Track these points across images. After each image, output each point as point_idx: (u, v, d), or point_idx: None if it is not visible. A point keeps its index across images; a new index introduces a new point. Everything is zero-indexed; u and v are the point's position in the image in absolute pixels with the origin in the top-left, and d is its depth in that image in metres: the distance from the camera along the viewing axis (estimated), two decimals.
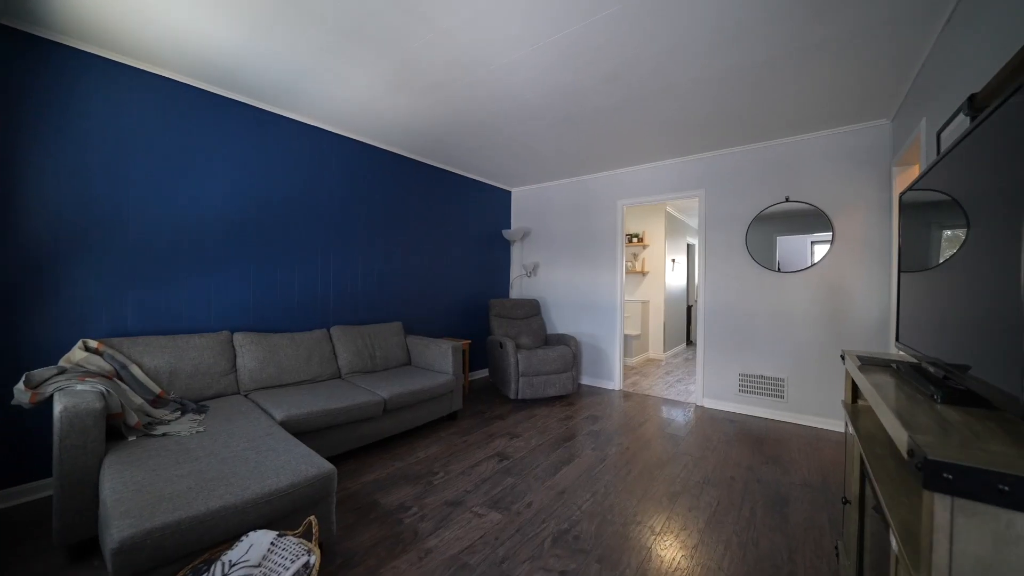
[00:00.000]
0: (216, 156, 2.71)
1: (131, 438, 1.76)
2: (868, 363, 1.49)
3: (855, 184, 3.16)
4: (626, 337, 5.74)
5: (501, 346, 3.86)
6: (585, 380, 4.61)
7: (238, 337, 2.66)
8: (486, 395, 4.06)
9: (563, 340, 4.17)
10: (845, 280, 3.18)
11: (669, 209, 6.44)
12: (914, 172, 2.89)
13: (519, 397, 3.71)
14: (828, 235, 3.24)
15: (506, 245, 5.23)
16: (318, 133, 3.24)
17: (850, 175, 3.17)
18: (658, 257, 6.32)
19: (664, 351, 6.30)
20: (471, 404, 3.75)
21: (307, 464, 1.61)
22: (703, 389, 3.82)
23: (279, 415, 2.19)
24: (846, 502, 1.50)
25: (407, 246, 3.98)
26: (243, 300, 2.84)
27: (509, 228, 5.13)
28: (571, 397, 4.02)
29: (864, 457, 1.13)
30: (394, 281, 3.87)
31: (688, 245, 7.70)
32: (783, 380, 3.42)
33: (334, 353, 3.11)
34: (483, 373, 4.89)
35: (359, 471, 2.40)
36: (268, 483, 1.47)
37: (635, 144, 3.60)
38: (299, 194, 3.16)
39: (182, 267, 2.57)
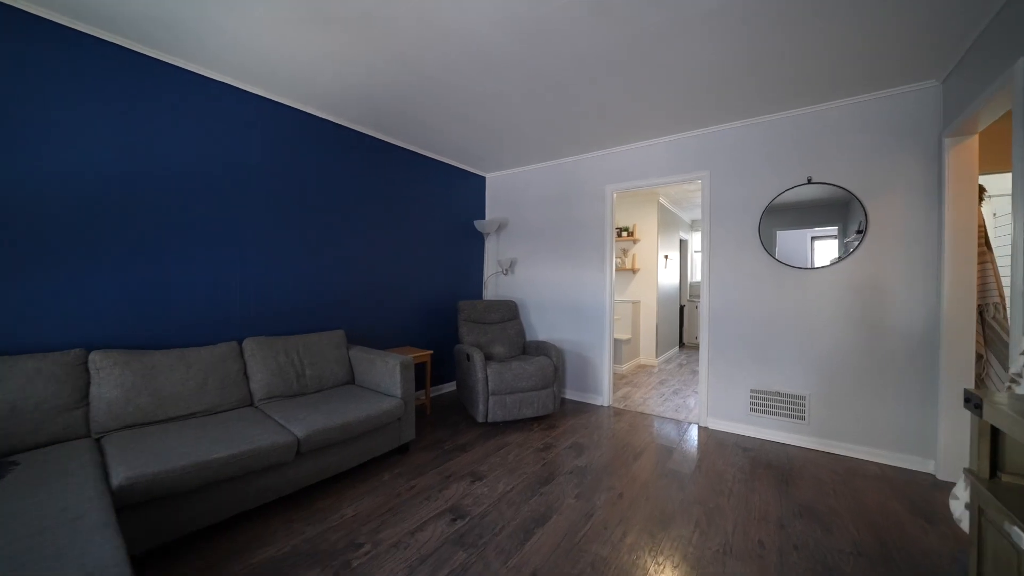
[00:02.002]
0: (68, 113, 1.99)
1: None
2: None
3: (894, 161, 2.59)
4: (616, 342, 5.15)
5: (468, 358, 3.21)
6: (570, 395, 3.99)
7: (96, 357, 1.95)
8: (452, 416, 3.41)
9: (543, 349, 3.54)
10: (881, 278, 2.62)
11: (662, 200, 5.86)
12: (973, 144, 2.33)
13: (489, 420, 3.07)
14: (859, 224, 2.67)
15: (479, 238, 4.57)
16: (223, 90, 2.54)
17: (888, 150, 2.61)
18: (650, 253, 5.74)
19: (657, 356, 5.74)
20: (430, 430, 3.09)
21: None
22: (707, 407, 3.23)
23: (121, 475, 1.50)
24: None
25: (355, 238, 3.30)
26: (113, 306, 2.13)
27: (483, 219, 4.49)
28: (552, 418, 3.39)
29: None
30: (337, 280, 3.18)
31: (681, 241, 7.16)
32: (804, 398, 2.85)
33: (245, 373, 2.42)
34: (451, 386, 4.23)
35: (249, 545, 1.72)
36: None
37: (625, 114, 2.98)
38: (204, 168, 2.45)
39: (12, 262, 1.85)
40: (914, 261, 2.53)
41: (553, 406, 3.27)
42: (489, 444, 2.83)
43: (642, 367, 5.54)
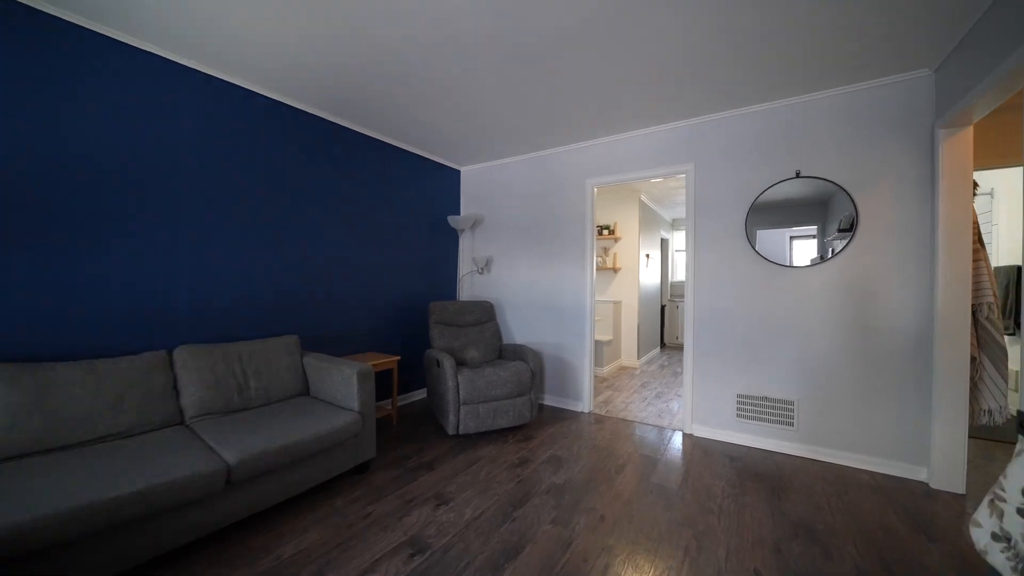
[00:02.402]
0: None
1: None
2: None
3: (885, 153, 2.47)
4: (597, 344, 4.96)
5: (438, 364, 2.95)
6: (548, 400, 3.78)
7: None
8: (421, 427, 3.14)
9: (520, 353, 3.31)
10: (872, 276, 2.50)
11: (643, 198, 5.72)
12: (968, 136, 2.22)
13: (460, 432, 2.82)
14: (840, 222, 2.54)
15: (453, 235, 4.31)
16: (152, 62, 2.20)
17: (879, 142, 2.48)
18: (631, 252, 5.59)
19: (639, 358, 5.59)
20: (395, 444, 2.82)
21: None
22: (692, 413, 3.07)
23: None
24: None
25: (316, 233, 2.99)
26: (4, 310, 1.78)
27: (458, 214, 4.22)
28: (529, 428, 3.16)
29: None
30: (293, 280, 2.87)
31: (662, 239, 7.06)
32: (792, 404, 2.71)
33: (175, 387, 2.10)
34: (422, 393, 3.96)
35: None
36: None
37: (606, 99, 2.78)
38: (129, 150, 2.11)
39: None
40: (906, 258, 2.41)
41: (530, 415, 3.05)
42: (459, 460, 2.58)
43: (624, 369, 5.38)
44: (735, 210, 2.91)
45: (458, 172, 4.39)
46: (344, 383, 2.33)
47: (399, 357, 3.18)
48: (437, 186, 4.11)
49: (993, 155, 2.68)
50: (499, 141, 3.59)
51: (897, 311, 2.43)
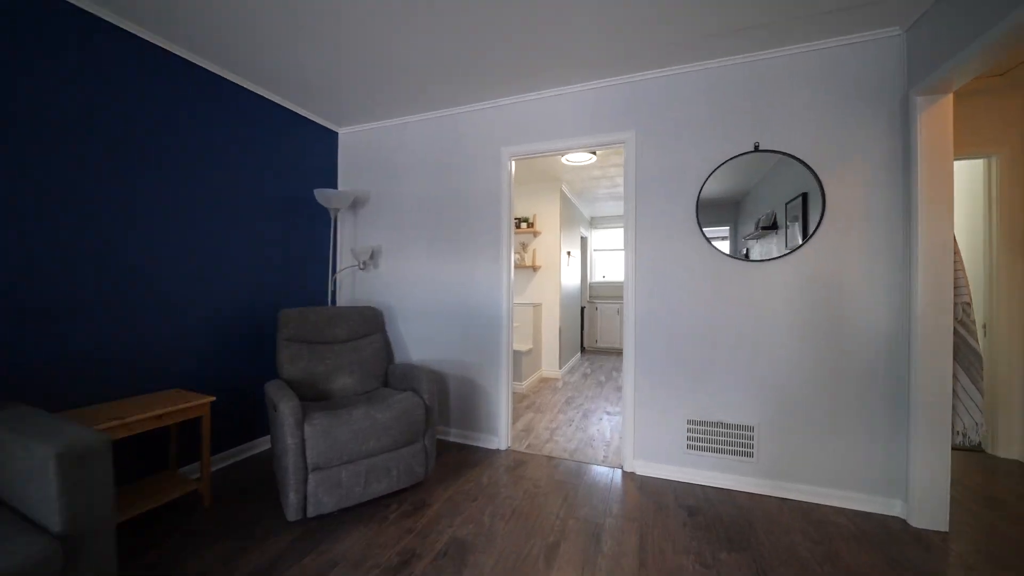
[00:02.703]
0: None
1: None
2: None
3: (853, 126, 2.06)
4: (515, 354, 4.22)
5: (275, 408, 1.89)
6: (455, 436, 2.90)
7: None
8: (255, 502, 2.04)
9: (412, 378, 2.37)
10: (841, 273, 2.08)
11: (564, 188, 5.15)
12: (948, 105, 1.86)
13: (308, 515, 1.80)
14: (811, 201, 2.10)
15: (325, 218, 3.20)
16: None
17: (847, 112, 2.07)
18: (552, 248, 4.97)
19: (560, 367, 4.99)
20: (195, 546, 1.70)
21: None
22: (633, 446, 2.44)
23: None
24: None
25: (75, 200, 1.72)
26: None
27: (333, 188, 3.12)
28: (422, 489, 2.23)
29: None
30: (21, 274, 1.59)
31: (582, 238, 6.63)
32: (751, 429, 2.21)
33: None
34: (265, 443, 2.79)
35: None
36: None
37: (527, 38, 2.00)
38: None
39: None
40: (877, 249, 2.02)
41: (424, 469, 2.14)
42: (305, 566, 1.57)
43: (545, 381, 4.72)
44: (685, 190, 2.34)
45: (335, 134, 3.29)
46: (36, 477, 1.18)
47: (212, 398, 2.02)
48: (302, 150, 2.98)
49: (961, 144, 2.47)
50: (390, 92, 2.63)
51: (868, 310, 2.03)
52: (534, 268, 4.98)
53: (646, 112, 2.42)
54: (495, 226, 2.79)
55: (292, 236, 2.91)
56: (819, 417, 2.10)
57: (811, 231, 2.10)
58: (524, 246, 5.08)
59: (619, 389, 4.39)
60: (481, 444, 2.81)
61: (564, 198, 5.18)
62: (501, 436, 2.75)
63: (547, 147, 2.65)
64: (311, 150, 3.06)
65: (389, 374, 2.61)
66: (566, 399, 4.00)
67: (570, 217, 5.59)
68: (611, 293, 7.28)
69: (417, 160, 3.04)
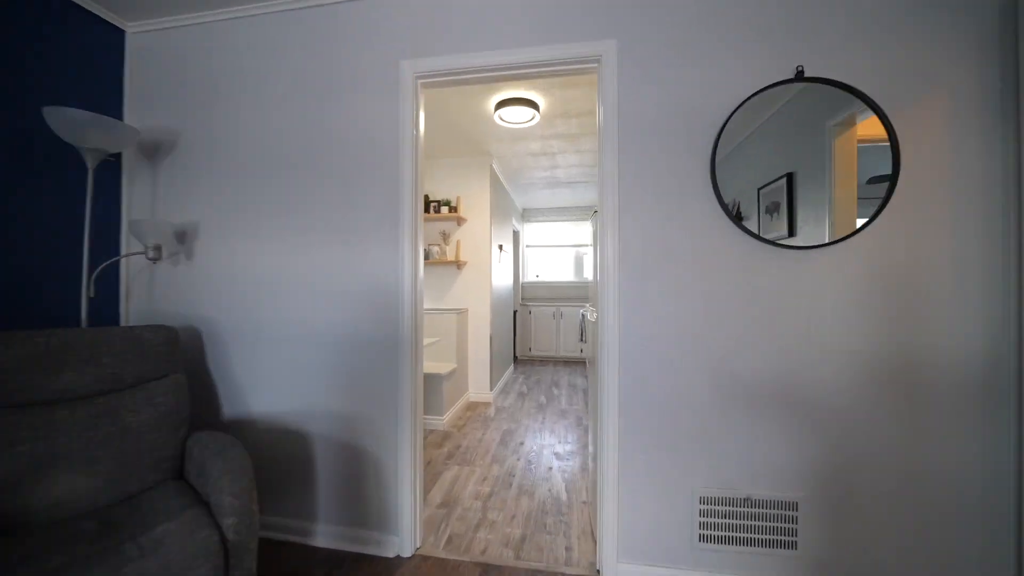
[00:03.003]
0: None
1: None
2: None
3: (938, 50, 1.38)
4: (431, 379, 3.15)
5: None
6: (323, 539, 1.76)
7: None
8: None
9: (225, 462, 1.19)
10: (921, 268, 1.38)
11: (495, 166, 4.20)
12: None
13: None
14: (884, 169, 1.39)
15: (82, 172, 1.80)
16: None
17: (931, 30, 1.38)
18: (482, 240, 3.98)
19: (492, 387, 4.01)
20: None
21: None
22: (617, 540, 1.54)
23: None
24: None
25: None
26: None
27: (107, 118, 1.75)
28: None
29: None
30: None
31: (514, 232, 5.74)
32: (795, 505, 1.44)
33: None
34: None
35: None
36: None
37: None
38: None
39: None
40: (969, 231, 1.36)
41: None
42: None
43: (473, 409, 3.70)
44: (693, 142, 1.50)
45: (121, 33, 1.93)
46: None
47: None
48: (44, 52, 1.61)
49: None
50: None
51: (957, 326, 1.35)
52: (458, 264, 3.94)
53: (635, 13, 1.54)
54: (392, 191, 1.72)
55: (23, 201, 1.53)
56: (894, 478, 1.39)
57: (880, 206, 1.37)
58: (445, 236, 4.02)
59: (563, 413, 3.55)
60: (369, 551, 1.70)
61: (495, 179, 4.22)
62: (404, 534, 1.68)
63: (475, 62, 1.64)
64: (70, 57, 1.69)
65: (188, 455, 1.40)
66: (501, 436, 3.04)
67: (502, 204, 4.65)
68: (546, 295, 6.52)
69: (262, 82, 1.83)
